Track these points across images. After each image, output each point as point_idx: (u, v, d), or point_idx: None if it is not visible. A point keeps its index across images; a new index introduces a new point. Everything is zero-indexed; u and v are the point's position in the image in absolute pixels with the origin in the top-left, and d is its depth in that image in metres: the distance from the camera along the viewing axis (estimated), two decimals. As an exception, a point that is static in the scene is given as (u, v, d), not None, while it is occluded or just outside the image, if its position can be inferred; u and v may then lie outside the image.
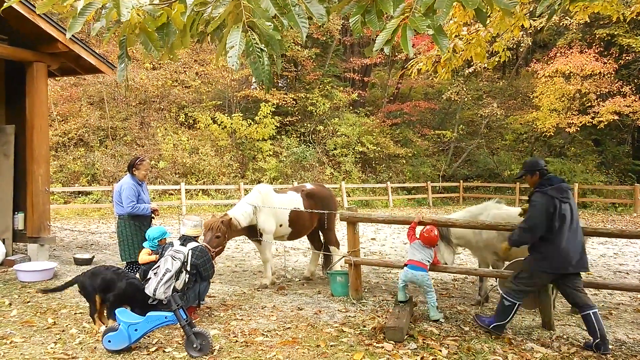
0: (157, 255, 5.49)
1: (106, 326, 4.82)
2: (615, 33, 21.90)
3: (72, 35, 8.27)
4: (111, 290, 4.95)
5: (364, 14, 2.84)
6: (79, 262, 8.36)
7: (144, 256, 5.69)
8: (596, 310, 4.72)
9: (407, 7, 2.75)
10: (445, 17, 2.70)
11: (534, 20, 8.62)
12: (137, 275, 5.94)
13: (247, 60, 2.62)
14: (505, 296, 4.95)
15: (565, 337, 5.05)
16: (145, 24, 2.84)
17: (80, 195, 18.19)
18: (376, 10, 2.79)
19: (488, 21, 7.21)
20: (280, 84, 26.84)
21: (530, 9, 7.12)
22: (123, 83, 21.33)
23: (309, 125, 24.89)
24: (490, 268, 6.15)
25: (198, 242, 5.45)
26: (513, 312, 4.89)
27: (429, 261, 5.57)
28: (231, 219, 6.59)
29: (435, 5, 2.60)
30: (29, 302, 6.03)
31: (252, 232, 6.98)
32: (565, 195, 4.77)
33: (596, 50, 21.45)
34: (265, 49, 2.65)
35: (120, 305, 4.90)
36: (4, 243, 8.23)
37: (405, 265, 5.64)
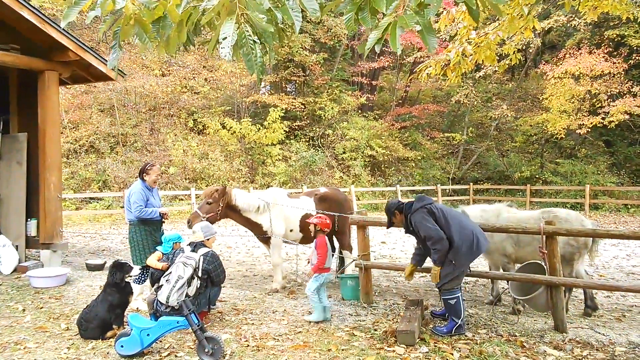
0: (166, 264, 5.53)
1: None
2: (625, 33, 21.75)
3: (83, 44, 8.41)
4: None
5: (358, 11, 2.84)
6: (91, 267, 8.44)
7: (152, 260, 5.73)
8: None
9: (400, 4, 2.76)
10: (436, 10, 2.71)
11: (542, 20, 8.61)
12: (148, 280, 6.00)
13: (241, 52, 2.63)
14: (446, 298, 5.10)
15: (577, 339, 5.01)
16: (140, 15, 2.84)
17: (91, 201, 18.32)
18: (369, 8, 2.80)
19: (497, 24, 7.22)
20: (288, 89, 26.89)
21: (539, 10, 7.09)
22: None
23: (317, 129, 24.91)
24: (501, 271, 6.11)
25: (208, 246, 5.47)
26: (461, 305, 5.05)
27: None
28: (226, 188, 6.67)
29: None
30: (42, 307, 6.09)
31: (255, 228, 7.04)
32: (426, 203, 5.10)
33: (605, 51, 21.25)
34: (259, 40, 2.66)
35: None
36: (17, 249, 8.31)
37: (321, 273, 5.57)
